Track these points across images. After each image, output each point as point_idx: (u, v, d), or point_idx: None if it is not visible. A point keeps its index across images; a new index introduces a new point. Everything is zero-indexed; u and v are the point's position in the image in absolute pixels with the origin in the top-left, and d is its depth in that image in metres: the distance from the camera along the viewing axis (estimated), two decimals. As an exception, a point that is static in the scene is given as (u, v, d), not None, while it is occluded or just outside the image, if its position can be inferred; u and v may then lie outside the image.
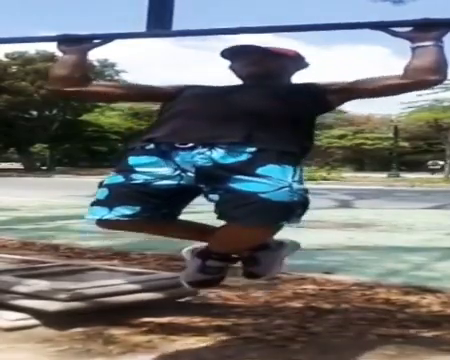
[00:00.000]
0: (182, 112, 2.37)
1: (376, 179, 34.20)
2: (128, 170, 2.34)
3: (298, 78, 2.57)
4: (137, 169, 2.31)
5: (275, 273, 2.69)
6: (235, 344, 2.70)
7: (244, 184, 2.14)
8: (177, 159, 2.27)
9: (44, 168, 50.21)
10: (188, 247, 2.58)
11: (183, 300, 3.35)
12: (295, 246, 2.69)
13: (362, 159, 58.91)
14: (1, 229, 7.82)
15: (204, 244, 2.49)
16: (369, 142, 56.49)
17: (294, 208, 2.16)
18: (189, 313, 3.12)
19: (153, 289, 3.22)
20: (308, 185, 2.35)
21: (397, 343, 2.75)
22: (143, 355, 2.56)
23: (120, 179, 2.35)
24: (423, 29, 2.31)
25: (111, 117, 55.34)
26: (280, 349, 2.65)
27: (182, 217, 2.54)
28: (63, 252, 5.67)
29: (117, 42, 2.61)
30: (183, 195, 2.38)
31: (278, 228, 2.25)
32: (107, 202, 2.33)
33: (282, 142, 2.25)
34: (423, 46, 2.29)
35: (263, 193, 2.11)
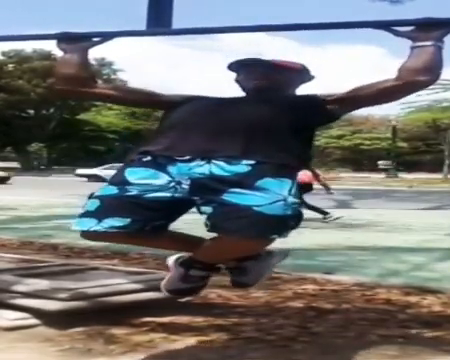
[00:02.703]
0: (181, 124, 2.34)
1: (374, 179, 34.26)
2: (123, 182, 2.30)
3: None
4: (132, 181, 2.28)
5: (263, 280, 2.65)
6: (236, 344, 2.69)
7: (239, 197, 2.12)
8: (173, 171, 2.25)
9: (42, 167, 50.18)
10: (173, 256, 2.54)
11: (184, 300, 3.34)
12: (284, 255, 2.67)
13: (360, 159, 58.93)
14: (0, 228, 7.81)
15: (188, 254, 2.46)
16: (367, 142, 56.55)
17: (288, 221, 2.15)
18: (190, 313, 3.11)
19: (153, 289, 3.20)
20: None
21: (398, 343, 2.75)
22: (144, 355, 2.55)
23: (114, 191, 2.31)
24: (425, 28, 2.30)
25: (108, 116, 55.40)
26: (281, 349, 2.64)
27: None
28: (62, 251, 5.66)
29: (115, 41, 2.59)
30: (176, 208, 2.34)
31: (271, 241, 2.22)
32: (97, 214, 2.28)
33: (281, 155, 2.23)
34: (420, 46, 2.27)
35: (257, 206, 2.09)
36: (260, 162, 2.19)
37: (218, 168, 2.19)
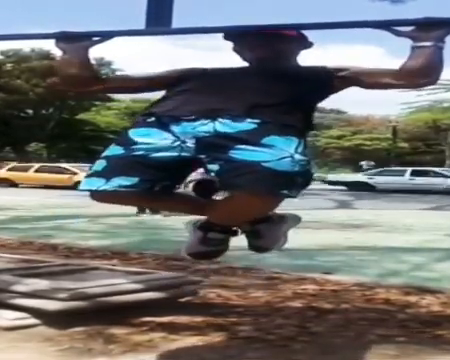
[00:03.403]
0: (186, 90, 2.37)
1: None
2: (128, 142, 2.33)
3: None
4: (137, 141, 2.31)
5: (280, 246, 2.68)
6: (236, 344, 2.69)
7: (246, 153, 2.15)
8: (178, 130, 2.27)
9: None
10: (190, 220, 2.58)
11: (183, 300, 3.34)
12: (296, 220, 2.70)
13: (361, 160, 58.88)
14: (-1, 228, 7.81)
15: (205, 217, 2.50)
16: (368, 143, 56.48)
17: (295, 178, 2.18)
18: (189, 313, 3.11)
19: (153, 289, 3.21)
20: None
21: (398, 343, 2.74)
22: (144, 354, 2.55)
23: (120, 150, 2.33)
24: (425, 28, 2.30)
25: (108, 116, 55.33)
26: (281, 349, 2.64)
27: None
28: (62, 251, 5.66)
29: (114, 40, 2.59)
30: (183, 167, 2.37)
31: (279, 200, 2.26)
32: (104, 173, 2.30)
33: (285, 116, 2.26)
34: (421, 46, 2.28)
35: (265, 162, 2.13)
36: (265, 121, 2.22)
37: (223, 125, 2.22)
